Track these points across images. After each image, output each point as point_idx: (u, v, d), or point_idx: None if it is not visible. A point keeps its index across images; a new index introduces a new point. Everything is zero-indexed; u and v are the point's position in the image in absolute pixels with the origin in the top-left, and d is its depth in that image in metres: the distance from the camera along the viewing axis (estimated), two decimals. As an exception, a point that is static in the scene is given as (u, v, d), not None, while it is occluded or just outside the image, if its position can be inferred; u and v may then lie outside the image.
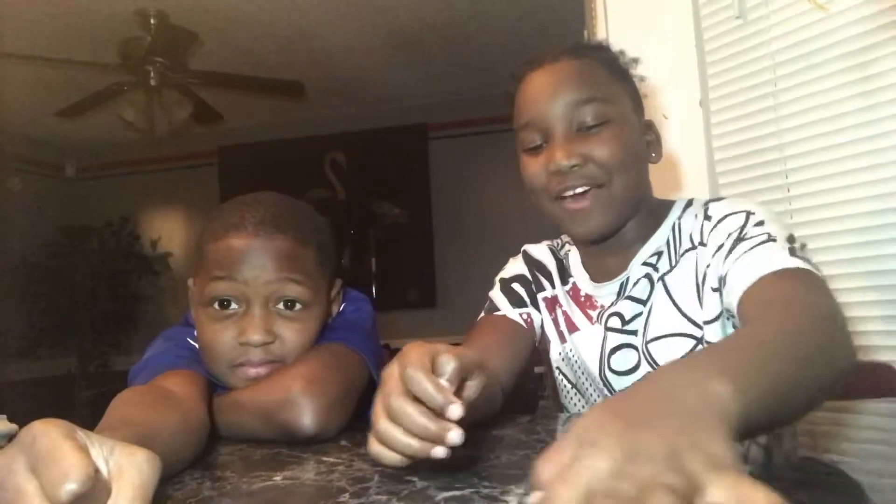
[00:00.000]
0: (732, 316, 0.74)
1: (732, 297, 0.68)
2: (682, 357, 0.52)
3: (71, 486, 0.32)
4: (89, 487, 0.33)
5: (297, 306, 0.77)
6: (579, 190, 0.78)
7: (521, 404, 0.87)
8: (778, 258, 0.66)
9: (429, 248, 4.77)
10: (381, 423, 0.46)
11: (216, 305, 0.75)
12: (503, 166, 4.54)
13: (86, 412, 4.12)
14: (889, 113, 1.24)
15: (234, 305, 0.75)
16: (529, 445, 0.60)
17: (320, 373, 0.70)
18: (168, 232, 5.13)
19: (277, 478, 0.55)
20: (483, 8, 3.34)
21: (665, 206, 0.86)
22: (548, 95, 0.79)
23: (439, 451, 0.45)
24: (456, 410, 0.44)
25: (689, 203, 0.85)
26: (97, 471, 0.34)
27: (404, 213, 4.79)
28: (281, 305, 0.76)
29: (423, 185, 4.79)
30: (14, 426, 1.37)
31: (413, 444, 0.46)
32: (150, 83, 3.29)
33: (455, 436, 0.44)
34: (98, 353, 4.71)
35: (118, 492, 0.35)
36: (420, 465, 0.55)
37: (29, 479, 0.34)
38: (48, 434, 0.35)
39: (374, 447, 0.48)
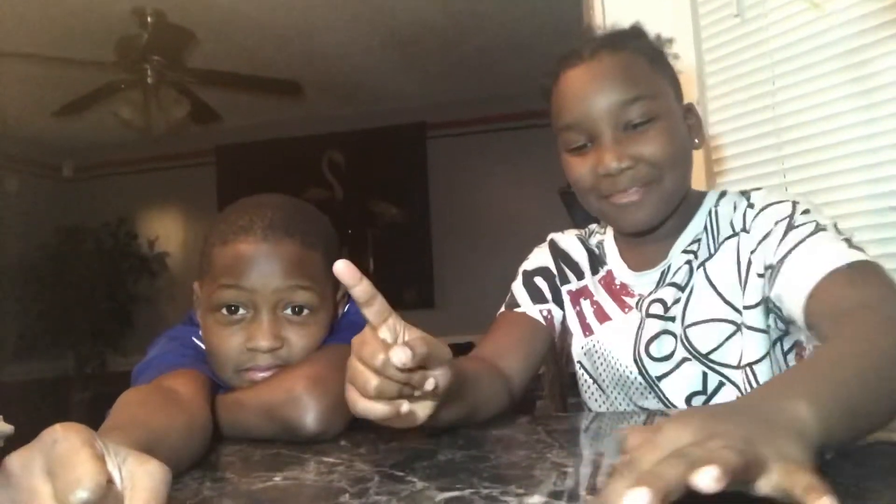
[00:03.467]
0: (777, 307, 0.74)
1: (794, 292, 0.67)
2: (766, 382, 0.56)
3: (82, 494, 0.32)
4: (100, 496, 0.33)
5: (305, 311, 0.76)
6: (631, 190, 0.77)
7: (518, 404, 0.87)
8: (837, 250, 0.66)
9: (427, 248, 4.77)
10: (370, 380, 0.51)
11: (224, 311, 0.75)
12: (502, 165, 4.57)
13: (82, 413, 4.11)
14: (886, 112, 1.24)
15: (241, 311, 0.75)
16: (529, 445, 0.60)
17: (324, 373, 0.70)
18: (165, 232, 5.12)
19: (277, 478, 0.55)
20: (481, 8, 3.34)
21: (699, 195, 0.86)
22: (591, 96, 0.77)
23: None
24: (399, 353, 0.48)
25: (723, 193, 0.85)
26: (110, 480, 0.35)
27: (402, 213, 4.79)
28: (289, 311, 0.76)
29: (421, 185, 4.79)
30: (10, 427, 1.37)
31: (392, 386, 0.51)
32: (148, 82, 3.29)
33: (398, 352, 0.48)
34: (95, 353, 4.71)
35: (132, 497, 0.35)
36: (420, 465, 0.55)
37: (44, 481, 0.34)
38: (68, 439, 0.35)
39: (362, 403, 0.52)
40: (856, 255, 0.66)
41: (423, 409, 0.55)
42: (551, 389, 1.26)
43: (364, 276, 0.51)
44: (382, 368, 0.49)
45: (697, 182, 1.54)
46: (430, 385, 0.52)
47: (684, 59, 1.55)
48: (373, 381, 0.50)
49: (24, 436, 0.46)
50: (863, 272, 0.65)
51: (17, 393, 3.84)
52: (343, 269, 0.49)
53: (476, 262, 4.46)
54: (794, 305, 0.68)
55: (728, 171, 1.51)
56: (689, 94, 1.54)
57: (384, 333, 0.51)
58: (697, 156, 1.54)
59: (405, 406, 0.51)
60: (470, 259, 4.48)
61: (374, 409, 0.51)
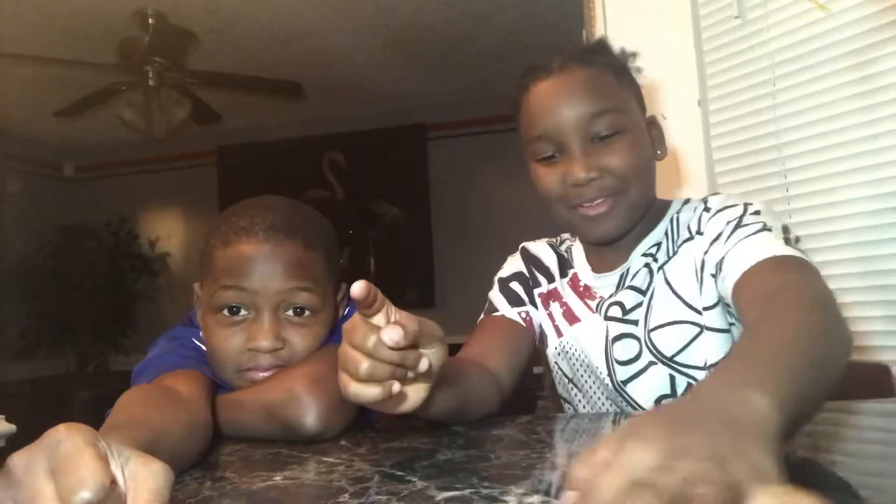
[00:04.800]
0: (726, 302, 0.75)
1: (727, 282, 0.70)
2: (714, 370, 0.54)
3: (85, 495, 0.32)
4: (103, 497, 0.33)
5: (306, 312, 0.76)
6: (597, 200, 0.79)
7: (519, 404, 0.87)
8: (772, 246, 0.68)
9: (427, 249, 4.77)
10: (363, 363, 0.51)
11: (225, 311, 0.75)
12: (501, 166, 4.57)
13: (83, 412, 4.11)
14: (888, 113, 1.24)
15: (243, 312, 0.75)
16: (529, 445, 0.60)
17: (324, 372, 0.70)
18: (166, 232, 5.13)
19: (277, 478, 0.55)
20: (482, 8, 3.34)
21: (664, 204, 0.89)
22: (560, 108, 0.79)
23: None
24: (390, 331, 0.49)
25: (687, 201, 0.88)
26: (114, 481, 0.35)
27: (403, 214, 4.79)
28: (290, 312, 0.76)
29: (421, 185, 4.79)
30: (12, 426, 1.37)
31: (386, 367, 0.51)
32: (149, 83, 3.29)
33: (389, 331, 0.49)
34: (96, 353, 4.72)
35: (135, 496, 0.35)
36: (420, 465, 0.55)
37: (47, 481, 0.34)
38: (72, 439, 0.35)
39: (353, 386, 0.52)
40: (787, 250, 0.68)
41: (416, 393, 0.56)
42: (552, 390, 1.26)
43: (377, 289, 0.52)
44: (374, 350, 0.50)
45: (699, 183, 1.54)
46: (423, 365, 0.52)
47: (684, 59, 1.55)
48: (364, 363, 0.50)
49: (25, 435, 0.46)
50: (787, 261, 0.66)
51: (18, 392, 3.84)
52: (359, 292, 0.50)
53: (477, 261, 4.44)
54: (728, 294, 0.70)
55: (728, 171, 1.51)
56: (690, 95, 1.55)
57: (377, 319, 0.52)
58: (698, 156, 1.54)
59: (396, 386, 0.52)
60: (470, 259, 4.48)
61: (365, 391, 0.51)
